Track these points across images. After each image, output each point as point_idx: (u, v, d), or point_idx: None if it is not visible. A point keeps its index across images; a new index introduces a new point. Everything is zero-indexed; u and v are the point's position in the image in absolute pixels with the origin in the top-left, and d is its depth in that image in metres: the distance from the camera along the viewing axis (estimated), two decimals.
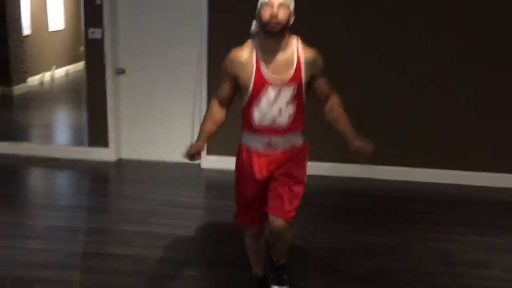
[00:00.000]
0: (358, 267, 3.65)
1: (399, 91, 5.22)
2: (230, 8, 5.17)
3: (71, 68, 11.15)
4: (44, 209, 4.55)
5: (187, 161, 2.96)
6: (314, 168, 5.21)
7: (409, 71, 5.19)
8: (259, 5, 2.66)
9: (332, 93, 2.92)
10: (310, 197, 4.67)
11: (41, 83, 10.23)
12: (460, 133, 5.28)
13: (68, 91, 10.43)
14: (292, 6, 2.67)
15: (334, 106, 2.92)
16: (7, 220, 4.23)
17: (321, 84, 2.86)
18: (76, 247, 3.80)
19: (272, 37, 2.66)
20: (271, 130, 2.79)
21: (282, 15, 2.58)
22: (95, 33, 5.46)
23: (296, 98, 2.75)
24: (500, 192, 5.19)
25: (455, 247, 3.96)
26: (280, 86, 2.70)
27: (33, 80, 9.90)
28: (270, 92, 2.71)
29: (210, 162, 5.56)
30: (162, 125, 5.64)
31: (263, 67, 2.70)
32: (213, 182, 5.34)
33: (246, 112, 2.81)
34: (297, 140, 2.91)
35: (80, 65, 9.60)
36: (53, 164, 5.68)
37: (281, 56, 2.70)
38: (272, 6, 2.59)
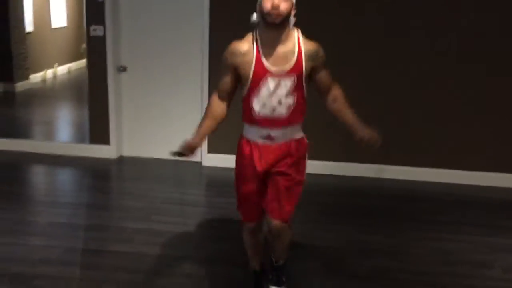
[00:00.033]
0: (358, 266, 3.66)
1: (399, 91, 5.24)
2: (231, 7, 5.18)
3: (73, 65, 11.18)
4: (46, 206, 4.57)
5: (177, 158, 2.91)
6: (316, 166, 5.27)
7: (409, 71, 5.20)
8: None
9: (334, 84, 2.93)
10: (311, 196, 4.73)
11: (44, 80, 10.26)
12: (460, 133, 5.29)
13: (70, 88, 10.46)
14: None
15: (337, 96, 2.92)
16: (9, 216, 4.26)
17: (323, 76, 2.86)
18: (77, 243, 3.83)
19: (273, 28, 2.65)
20: (271, 121, 2.78)
21: (283, 6, 2.57)
22: (97, 31, 5.47)
23: (296, 89, 2.75)
24: (500, 192, 5.20)
25: (455, 247, 3.97)
26: (280, 76, 2.70)
27: (36, 77, 9.93)
28: (270, 83, 2.71)
29: (211, 160, 5.59)
30: (163, 123, 5.66)
31: (263, 58, 2.70)
32: (214, 180, 5.36)
33: (246, 102, 2.81)
34: (297, 134, 2.90)
35: (82, 62, 9.66)
36: (54, 161, 5.71)
37: (281, 48, 2.70)
38: None
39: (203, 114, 2.98)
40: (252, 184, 2.93)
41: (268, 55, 2.70)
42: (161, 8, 5.46)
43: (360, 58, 5.20)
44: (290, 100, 2.75)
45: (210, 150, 5.59)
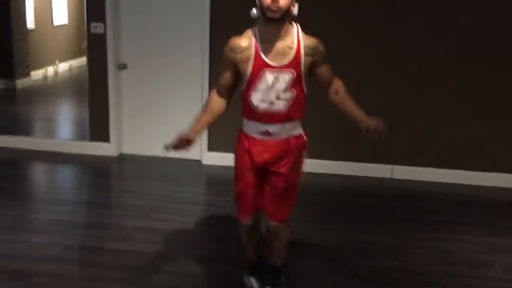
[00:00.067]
0: (358, 265, 3.66)
1: (399, 91, 5.24)
2: (232, 4, 5.18)
3: (74, 62, 11.19)
4: (46, 203, 4.58)
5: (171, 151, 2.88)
6: (316, 165, 5.28)
7: (409, 71, 5.20)
8: None
9: (335, 78, 2.93)
10: (311, 195, 4.74)
11: (45, 77, 10.28)
12: (460, 133, 5.29)
13: (71, 86, 10.47)
14: None
15: (338, 89, 2.92)
16: (9, 213, 4.26)
17: (324, 70, 2.86)
18: (76, 241, 3.84)
19: (272, 24, 2.66)
20: (269, 116, 2.79)
21: (283, 1, 2.57)
22: (97, 28, 5.47)
23: (295, 84, 2.75)
24: (500, 192, 5.20)
25: (455, 247, 3.97)
26: (278, 71, 2.71)
27: (37, 74, 9.95)
28: (268, 77, 2.72)
29: (211, 158, 5.59)
30: (163, 121, 5.66)
31: (262, 53, 2.71)
32: (214, 178, 5.36)
33: (245, 97, 2.82)
34: (296, 130, 2.90)
35: (84, 60, 9.67)
36: (55, 158, 5.71)
37: (280, 43, 2.70)
38: None
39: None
40: (249, 177, 2.92)
41: (267, 50, 2.70)
42: (162, 5, 5.46)
43: (360, 59, 5.20)
44: (289, 95, 2.76)
45: (210, 148, 5.60)
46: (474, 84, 5.17)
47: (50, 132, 7.10)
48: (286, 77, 2.72)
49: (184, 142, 2.83)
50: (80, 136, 6.64)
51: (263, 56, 2.71)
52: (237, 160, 2.98)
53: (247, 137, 2.90)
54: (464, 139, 5.29)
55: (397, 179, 5.40)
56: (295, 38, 2.72)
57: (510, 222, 4.51)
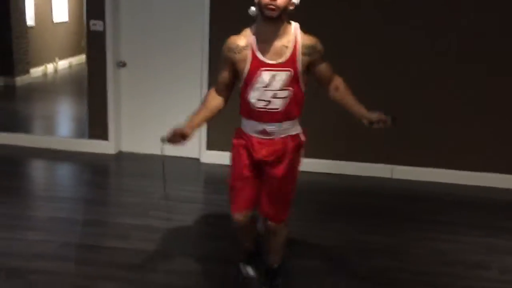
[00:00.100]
0: (357, 265, 3.66)
1: (399, 91, 5.23)
2: (232, 4, 5.17)
3: (74, 60, 11.19)
4: (44, 200, 4.57)
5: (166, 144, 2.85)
6: (315, 165, 5.28)
7: (409, 71, 5.19)
8: None
9: (334, 75, 2.91)
10: (310, 194, 4.74)
11: (44, 75, 10.27)
12: (460, 133, 5.28)
13: (71, 83, 10.46)
14: None
15: (338, 85, 2.90)
16: (8, 211, 4.26)
17: (322, 69, 2.84)
18: (74, 239, 3.83)
19: (269, 23, 2.65)
20: (266, 115, 2.78)
21: (280, 0, 2.57)
22: (96, 25, 5.46)
23: (292, 83, 2.74)
24: (500, 193, 5.20)
25: (454, 248, 3.97)
26: (275, 70, 2.71)
27: (36, 72, 9.94)
28: (265, 76, 2.71)
29: (210, 156, 5.59)
30: (162, 119, 5.63)
31: (259, 52, 2.71)
32: (212, 177, 5.36)
33: (243, 95, 2.82)
34: (294, 129, 2.89)
35: (84, 57, 9.64)
36: (53, 155, 5.70)
37: (277, 42, 2.70)
38: None
39: None
40: (245, 170, 2.90)
41: (264, 49, 2.70)
42: (162, 4, 5.45)
43: (360, 58, 5.19)
44: (286, 94, 2.75)
45: (208, 147, 5.60)
46: (474, 84, 5.16)
47: (49, 130, 7.09)
48: (283, 76, 2.71)
49: (178, 136, 2.81)
50: (79, 133, 6.63)
51: (260, 55, 2.70)
52: (234, 152, 2.96)
53: (246, 135, 2.90)
54: (464, 139, 5.29)
55: (397, 179, 5.40)
56: (292, 37, 2.71)
57: (508, 223, 4.51)
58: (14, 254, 3.56)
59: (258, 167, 2.89)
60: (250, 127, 2.86)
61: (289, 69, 2.71)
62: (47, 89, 9.82)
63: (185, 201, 4.62)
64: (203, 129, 5.48)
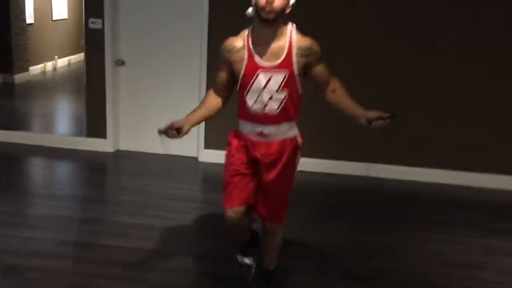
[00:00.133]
0: (354, 266, 3.65)
1: (399, 91, 5.22)
2: (230, 3, 5.15)
3: (73, 58, 11.16)
4: (42, 198, 4.57)
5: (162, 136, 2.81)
6: (313, 164, 5.27)
7: (409, 71, 5.18)
8: None
9: (332, 78, 2.88)
10: (307, 194, 4.73)
11: (43, 72, 10.25)
12: (460, 133, 5.27)
13: (69, 81, 10.44)
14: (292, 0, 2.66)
15: (336, 87, 2.87)
16: (5, 208, 4.25)
17: (320, 70, 2.82)
18: (71, 237, 3.82)
19: (266, 25, 2.65)
20: (263, 117, 2.77)
21: (277, 2, 2.56)
22: (95, 23, 5.45)
23: (288, 85, 2.73)
24: (498, 194, 5.19)
25: (451, 248, 3.96)
26: (271, 72, 2.70)
27: (35, 69, 9.92)
28: (261, 78, 2.70)
29: (208, 155, 5.57)
30: (160, 118, 5.55)
31: (255, 54, 2.70)
32: (210, 176, 5.34)
33: (240, 97, 2.82)
34: (291, 132, 2.87)
35: (82, 55, 9.62)
36: (51, 153, 5.69)
37: (274, 44, 2.69)
38: None
39: None
40: (241, 165, 2.88)
41: (260, 51, 2.70)
42: (161, 3, 5.44)
43: (359, 58, 5.18)
44: (282, 96, 2.74)
45: (206, 146, 5.59)
46: (474, 84, 5.15)
47: (48, 127, 7.08)
48: (279, 78, 2.70)
49: (173, 131, 2.76)
50: (77, 131, 6.61)
51: (256, 56, 2.70)
52: (230, 148, 2.93)
53: (243, 136, 2.89)
54: (464, 139, 5.28)
55: (395, 179, 5.38)
56: (288, 38, 2.70)
57: (505, 225, 4.50)
58: (11, 252, 3.55)
59: (255, 165, 2.88)
60: (248, 129, 2.85)
61: (285, 70, 2.70)
62: (46, 87, 9.80)
63: (183, 200, 4.61)
64: (201, 128, 5.47)
